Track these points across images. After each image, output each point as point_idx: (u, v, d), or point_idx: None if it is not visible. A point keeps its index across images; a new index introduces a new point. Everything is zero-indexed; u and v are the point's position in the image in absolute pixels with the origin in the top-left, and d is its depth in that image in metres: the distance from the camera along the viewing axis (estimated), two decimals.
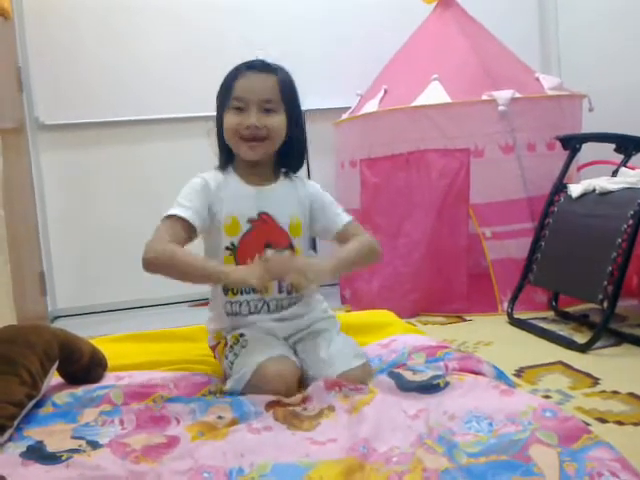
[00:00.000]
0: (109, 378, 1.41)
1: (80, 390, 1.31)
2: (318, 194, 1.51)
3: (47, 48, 3.15)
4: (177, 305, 3.31)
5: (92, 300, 3.28)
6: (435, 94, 2.76)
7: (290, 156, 1.47)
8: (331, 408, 1.18)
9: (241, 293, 1.41)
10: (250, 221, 1.40)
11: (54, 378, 1.32)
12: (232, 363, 1.35)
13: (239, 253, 1.39)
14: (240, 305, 1.42)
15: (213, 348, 1.50)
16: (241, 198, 1.41)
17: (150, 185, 3.30)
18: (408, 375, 1.27)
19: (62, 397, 1.28)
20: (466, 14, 3.10)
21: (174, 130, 3.31)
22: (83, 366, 1.37)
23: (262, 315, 1.41)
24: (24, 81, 3.10)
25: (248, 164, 1.44)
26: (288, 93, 1.41)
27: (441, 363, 1.35)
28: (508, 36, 3.12)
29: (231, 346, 1.39)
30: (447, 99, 2.72)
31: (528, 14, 3.72)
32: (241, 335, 1.39)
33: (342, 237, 1.48)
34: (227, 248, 1.40)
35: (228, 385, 1.33)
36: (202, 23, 3.24)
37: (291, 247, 1.42)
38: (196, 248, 1.41)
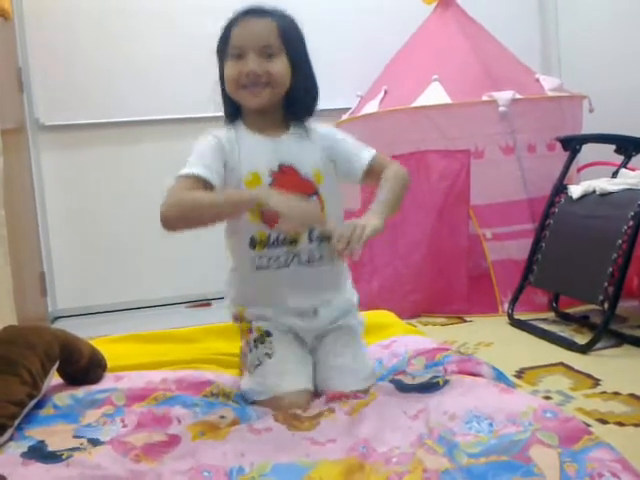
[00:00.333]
0: (108, 378, 1.41)
1: (81, 392, 1.31)
2: (334, 138, 1.41)
3: (47, 49, 3.15)
4: (176, 306, 3.31)
5: (92, 301, 3.28)
6: (435, 95, 2.76)
7: (297, 103, 1.37)
8: (331, 409, 1.18)
9: (269, 246, 1.32)
10: (271, 174, 1.32)
11: (54, 378, 1.32)
12: (254, 367, 1.33)
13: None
14: (269, 259, 1.33)
15: (234, 318, 1.43)
16: (258, 151, 1.34)
17: (149, 186, 3.27)
18: (408, 380, 1.27)
19: (63, 398, 1.28)
20: (466, 15, 3.10)
21: (173, 131, 3.30)
22: (82, 367, 1.37)
23: (292, 268, 1.33)
24: (24, 82, 3.10)
25: (257, 115, 1.36)
26: (289, 37, 1.33)
27: (440, 367, 1.34)
28: (508, 37, 3.12)
29: (255, 343, 1.35)
30: (447, 100, 2.72)
31: (529, 15, 3.72)
32: (267, 334, 1.34)
33: (369, 176, 1.39)
34: None
35: (243, 386, 1.33)
36: (196, 26, 3.22)
37: (317, 195, 1.34)
38: None
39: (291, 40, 1.34)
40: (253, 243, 1.33)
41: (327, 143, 1.40)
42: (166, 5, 3.26)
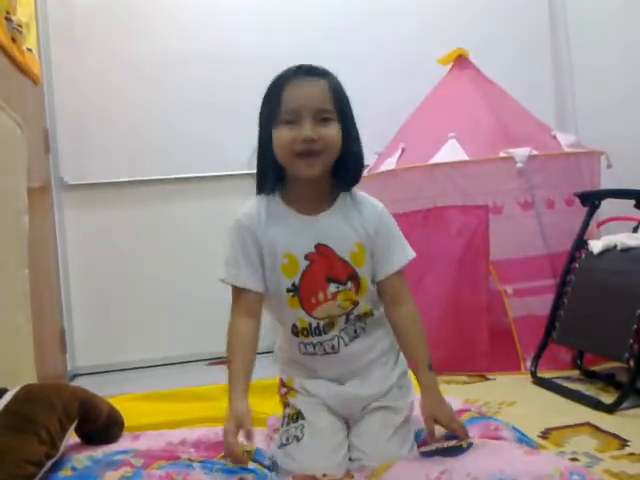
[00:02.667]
0: (125, 438, 1.40)
1: (99, 452, 1.30)
2: (380, 224, 1.33)
3: (73, 111, 3.25)
4: (196, 363, 3.29)
5: (111, 358, 3.28)
6: (452, 152, 2.79)
7: (345, 170, 1.31)
8: (350, 476, 1.15)
9: (313, 335, 1.32)
10: (307, 257, 1.28)
11: (71, 438, 1.31)
12: (283, 445, 1.30)
13: (302, 292, 1.29)
14: (314, 346, 1.33)
15: (280, 384, 1.44)
16: (295, 231, 1.29)
17: (172, 245, 3.34)
18: (431, 449, 1.24)
19: (81, 460, 1.26)
20: (481, 74, 3.16)
21: (197, 189, 3.36)
22: (100, 425, 1.37)
23: (341, 352, 1.32)
24: (50, 143, 3.19)
25: (302, 186, 1.30)
26: (340, 99, 1.27)
27: None
28: (524, 95, 3.16)
29: (288, 420, 1.33)
30: (464, 157, 2.75)
31: (543, 73, 3.76)
32: (301, 415, 1.31)
33: (387, 288, 1.35)
34: (288, 290, 1.29)
35: (274, 454, 1.31)
36: (222, 79, 3.33)
37: (355, 278, 1.30)
38: None
39: (342, 102, 1.28)
40: (295, 330, 1.33)
41: (372, 227, 1.33)
42: (189, 65, 3.34)
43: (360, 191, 1.38)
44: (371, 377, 1.35)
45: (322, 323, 1.31)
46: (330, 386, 1.35)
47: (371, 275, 1.34)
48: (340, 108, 1.26)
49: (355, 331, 1.34)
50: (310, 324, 1.31)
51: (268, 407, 1.61)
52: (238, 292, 1.30)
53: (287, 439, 1.30)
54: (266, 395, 1.65)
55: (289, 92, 1.24)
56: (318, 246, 1.28)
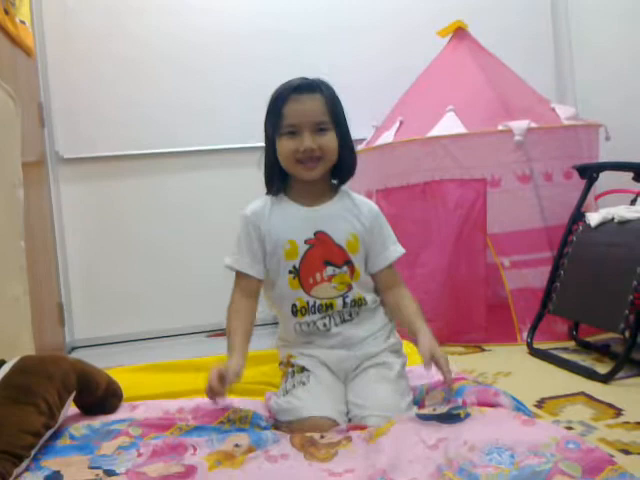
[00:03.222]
0: (124, 408, 1.41)
1: (97, 422, 1.31)
2: (376, 222, 1.49)
3: (67, 84, 3.22)
4: (194, 335, 3.31)
5: (109, 331, 3.29)
6: (451, 125, 2.77)
7: (342, 169, 1.48)
8: (348, 438, 1.16)
9: (309, 313, 1.43)
10: (307, 242, 1.42)
11: (70, 408, 1.32)
12: (287, 391, 1.37)
13: (301, 273, 1.42)
14: (308, 325, 1.44)
15: (280, 362, 1.53)
16: (296, 221, 1.44)
17: (168, 217, 3.33)
18: (428, 411, 1.25)
19: (79, 429, 1.28)
20: (480, 46, 3.13)
21: (192, 163, 3.35)
22: (99, 397, 1.37)
23: (332, 330, 1.43)
24: (45, 116, 3.16)
25: (304, 185, 1.45)
26: (336, 111, 1.42)
27: (459, 399, 1.32)
28: (523, 67, 3.14)
29: (293, 372, 1.41)
30: (463, 130, 2.73)
31: (543, 45, 3.74)
32: (304, 368, 1.40)
33: (382, 277, 1.50)
34: (290, 272, 1.42)
35: (272, 404, 1.37)
36: (215, 56, 3.31)
37: (349, 264, 1.44)
38: None
39: (338, 114, 1.43)
40: (294, 310, 1.44)
41: (368, 223, 1.47)
42: (186, 37, 3.31)
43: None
44: (364, 344, 1.45)
45: (319, 302, 1.42)
46: (325, 350, 1.44)
47: (364, 264, 1.48)
48: (335, 118, 1.42)
49: (350, 314, 1.45)
50: (308, 302, 1.43)
51: (265, 375, 1.63)
52: (239, 277, 1.46)
53: (293, 385, 1.37)
54: (262, 364, 1.68)
55: (290, 107, 1.39)
56: (317, 233, 1.43)
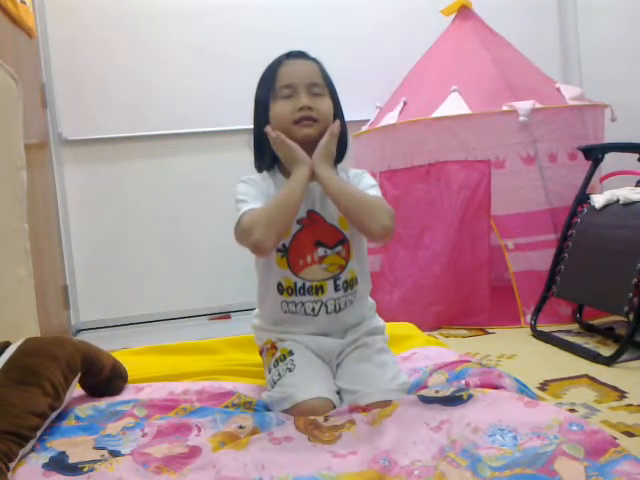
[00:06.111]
0: (129, 389, 1.42)
1: (103, 403, 1.32)
2: (358, 179, 1.44)
3: (70, 65, 3.20)
4: (197, 318, 3.32)
5: (114, 313, 3.31)
6: (455, 105, 2.75)
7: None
8: (352, 421, 1.17)
9: (296, 294, 1.39)
10: (299, 221, 1.38)
11: (75, 390, 1.33)
12: (274, 382, 1.34)
13: (291, 254, 1.38)
14: (296, 305, 1.40)
15: (260, 350, 1.49)
16: None
17: (171, 200, 3.33)
18: (430, 393, 1.25)
19: (85, 410, 1.28)
20: (485, 25, 3.10)
21: (196, 145, 3.34)
22: (104, 378, 1.38)
23: (320, 317, 1.40)
24: (48, 98, 3.14)
25: None
26: (330, 80, 1.43)
27: (462, 381, 1.32)
28: (528, 47, 3.11)
29: (277, 360, 1.37)
30: (467, 110, 2.71)
31: (548, 25, 3.70)
32: (290, 352, 1.37)
33: None
34: (278, 250, 1.38)
35: (265, 398, 1.33)
36: (217, 42, 3.28)
37: (345, 242, 1.39)
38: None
39: (331, 84, 1.43)
40: (280, 289, 1.40)
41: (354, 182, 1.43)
42: (189, 21, 3.30)
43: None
44: (348, 332, 1.44)
45: (308, 284, 1.38)
46: (306, 336, 1.41)
47: (357, 234, 1.40)
48: (329, 87, 1.41)
49: (346, 304, 1.41)
50: (295, 283, 1.39)
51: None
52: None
53: (279, 374, 1.34)
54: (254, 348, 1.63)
55: (284, 70, 1.38)
56: (309, 212, 1.39)
